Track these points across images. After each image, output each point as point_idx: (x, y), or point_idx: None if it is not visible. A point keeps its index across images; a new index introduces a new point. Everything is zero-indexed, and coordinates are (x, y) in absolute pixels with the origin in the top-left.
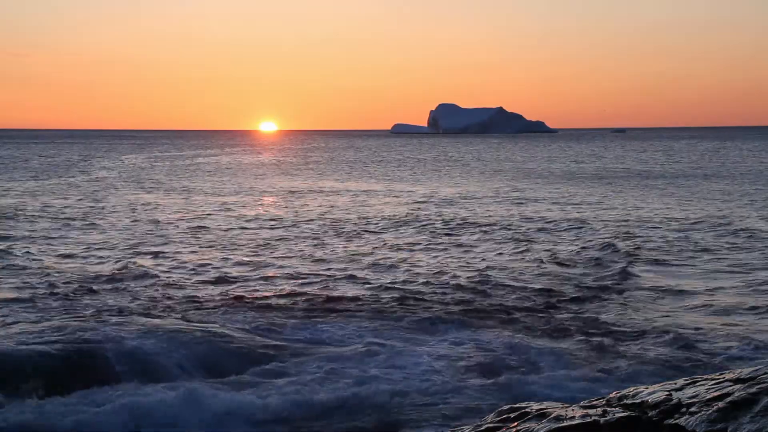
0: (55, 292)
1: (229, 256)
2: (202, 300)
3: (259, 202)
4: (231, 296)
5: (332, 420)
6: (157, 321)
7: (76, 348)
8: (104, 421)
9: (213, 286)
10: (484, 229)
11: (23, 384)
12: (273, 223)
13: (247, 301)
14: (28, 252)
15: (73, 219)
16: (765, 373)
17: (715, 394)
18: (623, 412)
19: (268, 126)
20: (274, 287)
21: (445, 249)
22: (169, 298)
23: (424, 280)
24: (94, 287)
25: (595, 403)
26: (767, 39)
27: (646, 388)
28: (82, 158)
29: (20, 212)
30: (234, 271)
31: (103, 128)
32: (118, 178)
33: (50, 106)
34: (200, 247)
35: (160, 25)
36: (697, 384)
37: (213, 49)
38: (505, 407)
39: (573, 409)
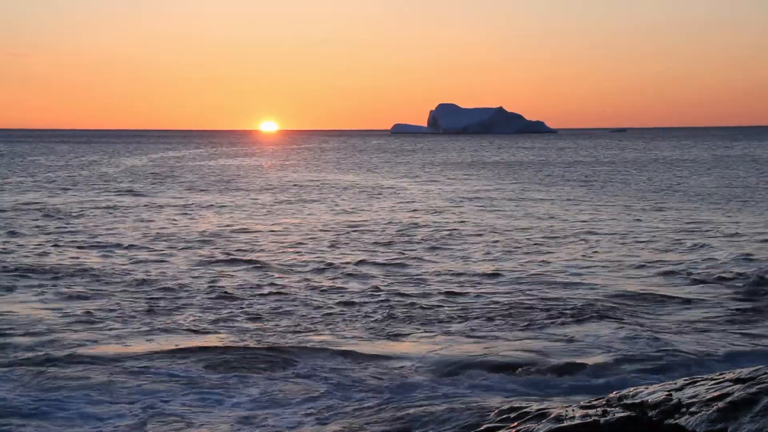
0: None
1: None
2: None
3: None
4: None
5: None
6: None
7: None
8: None
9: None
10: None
11: None
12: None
13: None
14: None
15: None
16: (765, 373)
17: (715, 394)
18: (623, 412)
19: (268, 126)
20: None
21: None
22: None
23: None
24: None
25: (595, 403)
26: (767, 39)
27: (646, 388)
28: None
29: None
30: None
31: (104, 128)
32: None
33: (50, 106)
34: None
35: (160, 25)
36: (697, 384)
37: (213, 49)
38: (505, 407)
39: (573, 409)
